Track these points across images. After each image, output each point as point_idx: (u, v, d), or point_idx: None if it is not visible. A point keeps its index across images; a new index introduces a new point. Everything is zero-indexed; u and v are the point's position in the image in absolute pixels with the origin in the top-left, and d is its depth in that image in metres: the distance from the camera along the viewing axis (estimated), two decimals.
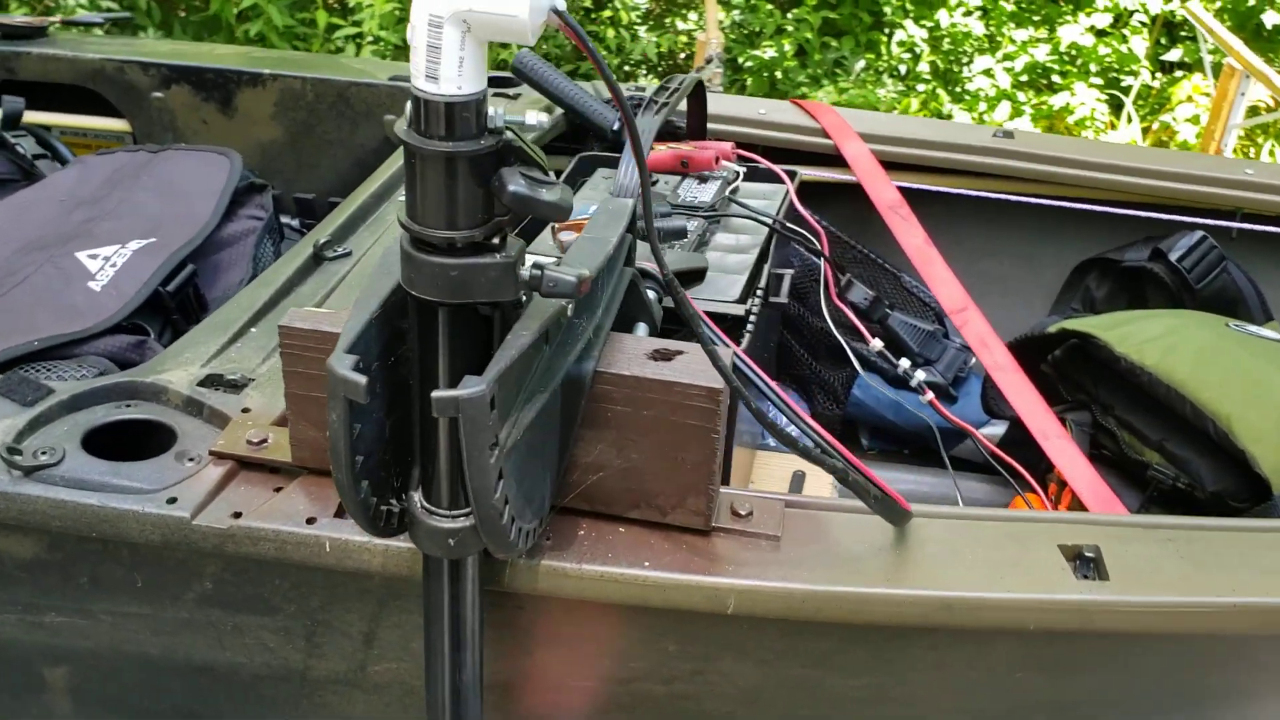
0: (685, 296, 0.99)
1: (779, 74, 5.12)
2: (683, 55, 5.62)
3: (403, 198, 0.70)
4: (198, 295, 1.44)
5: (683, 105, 1.52)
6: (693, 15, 5.60)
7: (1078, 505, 1.23)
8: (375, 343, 0.72)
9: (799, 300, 1.60)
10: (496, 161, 0.67)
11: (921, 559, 0.87)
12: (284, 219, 1.67)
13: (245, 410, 0.97)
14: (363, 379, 0.66)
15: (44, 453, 0.92)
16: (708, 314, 1.18)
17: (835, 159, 1.64)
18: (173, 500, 0.89)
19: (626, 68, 5.70)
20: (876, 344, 1.42)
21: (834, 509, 0.92)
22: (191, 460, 0.93)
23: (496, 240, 0.69)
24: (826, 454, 0.84)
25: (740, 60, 5.23)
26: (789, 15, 5.21)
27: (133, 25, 4.65)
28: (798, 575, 0.85)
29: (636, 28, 5.46)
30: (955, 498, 1.44)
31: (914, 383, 1.41)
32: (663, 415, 0.84)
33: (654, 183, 1.46)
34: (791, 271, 1.39)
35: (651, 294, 1.01)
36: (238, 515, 0.89)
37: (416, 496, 0.78)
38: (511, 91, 1.65)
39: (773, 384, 0.94)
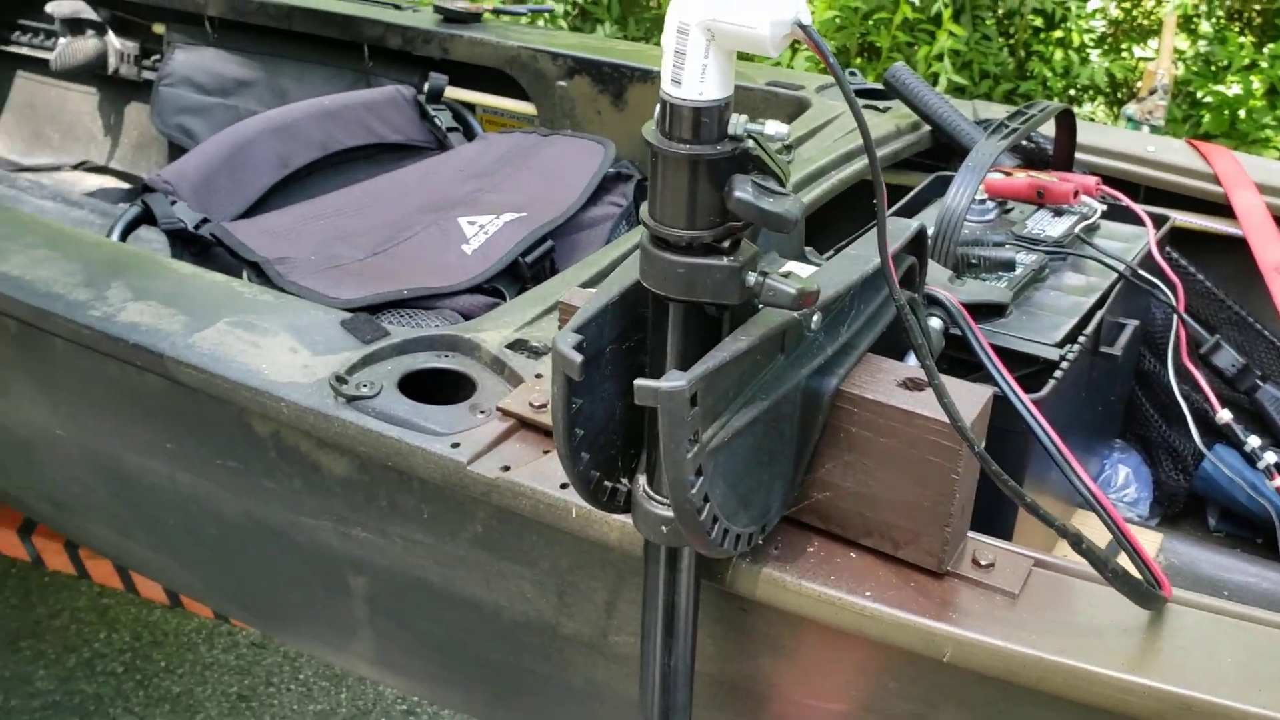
0: (973, 328, 0.95)
1: (1241, 113, 4.65)
2: (1137, 83, 5.24)
3: None
4: (553, 268, 1.56)
5: (1050, 132, 1.44)
6: (1153, 42, 5.20)
7: None
8: (611, 327, 0.76)
9: (1156, 356, 1.47)
10: (733, 167, 0.68)
11: (1169, 649, 0.79)
12: None
13: (538, 375, 1.05)
14: (579, 357, 0.70)
15: (365, 386, 1.04)
16: (1014, 352, 1.13)
17: (1224, 208, 1.49)
18: (456, 445, 0.98)
19: (1072, 92, 5.41)
20: (1225, 415, 1.28)
21: (1088, 578, 0.85)
22: (482, 413, 1.03)
23: (727, 244, 0.70)
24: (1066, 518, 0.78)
25: (1199, 94, 4.80)
26: (1264, 50, 4.71)
27: (592, 19, 5.03)
28: (1023, 637, 0.80)
29: (1089, 51, 5.15)
30: None
31: (1261, 464, 1.25)
32: (901, 447, 0.82)
33: (1008, 211, 1.40)
34: (1136, 323, 1.29)
35: (937, 323, 0.98)
36: (505, 469, 0.96)
37: (641, 480, 0.81)
38: (882, 105, 1.64)
39: (1051, 432, 0.88)
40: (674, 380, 0.68)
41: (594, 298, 0.76)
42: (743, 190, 0.67)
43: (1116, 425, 1.52)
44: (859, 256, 0.83)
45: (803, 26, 0.63)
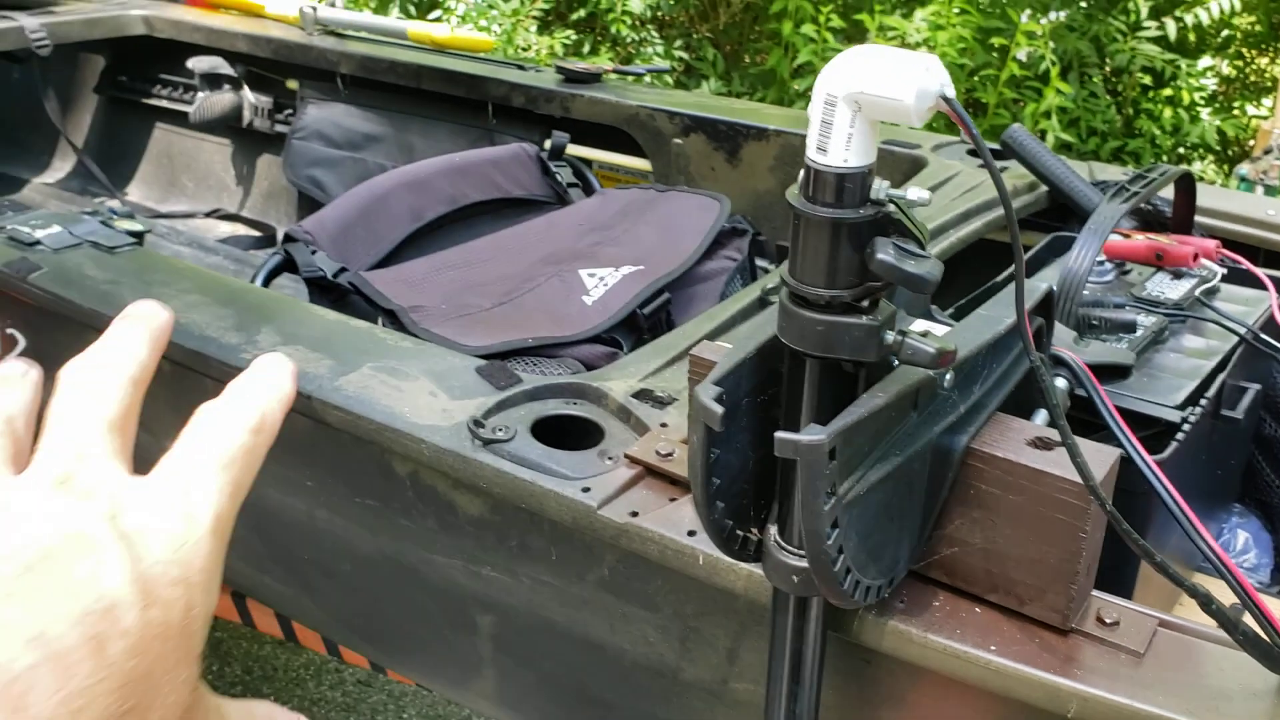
0: (1099, 389, 0.97)
1: None
2: (1250, 142, 5.15)
3: None
4: (668, 320, 1.60)
5: (1168, 195, 1.45)
6: (1267, 101, 5.12)
7: None
8: (748, 380, 0.79)
9: (1277, 420, 1.45)
10: (874, 230, 0.72)
11: None
12: (765, 263, 1.80)
13: (663, 425, 1.09)
14: (719, 409, 0.74)
15: (501, 430, 1.09)
16: (1136, 414, 1.13)
17: None
18: (587, 490, 1.02)
19: (1181, 150, 5.33)
20: None
21: (1214, 640, 0.86)
22: (610, 459, 1.07)
23: (866, 303, 0.73)
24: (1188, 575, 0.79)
25: None
26: None
27: (697, 74, 5.12)
28: (1147, 696, 0.81)
29: (1200, 109, 5.08)
30: None
31: None
32: (1030, 504, 0.83)
33: (1126, 272, 1.41)
34: (1258, 387, 1.28)
35: (1063, 383, 1.00)
36: (634, 514, 1.00)
37: (772, 530, 0.84)
38: (999, 164, 1.66)
39: (1175, 493, 0.89)
40: (814, 434, 0.71)
41: (731, 352, 0.79)
42: (884, 252, 0.70)
43: (1235, 489, 1.50)
44: (991, 317, 0.85)
45: (947, 100, 0.67)
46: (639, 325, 1.57)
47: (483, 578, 1.17)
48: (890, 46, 0.69)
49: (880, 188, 0.71)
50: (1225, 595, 1.33)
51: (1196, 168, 5.38)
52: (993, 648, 0.86)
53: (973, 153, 1.72)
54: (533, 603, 1.14)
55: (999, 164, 1.67)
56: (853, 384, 0.78)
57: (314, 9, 2.45)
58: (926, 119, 0.69)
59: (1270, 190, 4.01)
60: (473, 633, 1.24)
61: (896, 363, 0.78)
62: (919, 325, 0.88)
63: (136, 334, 0.50)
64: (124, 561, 0.39)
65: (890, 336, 0.74)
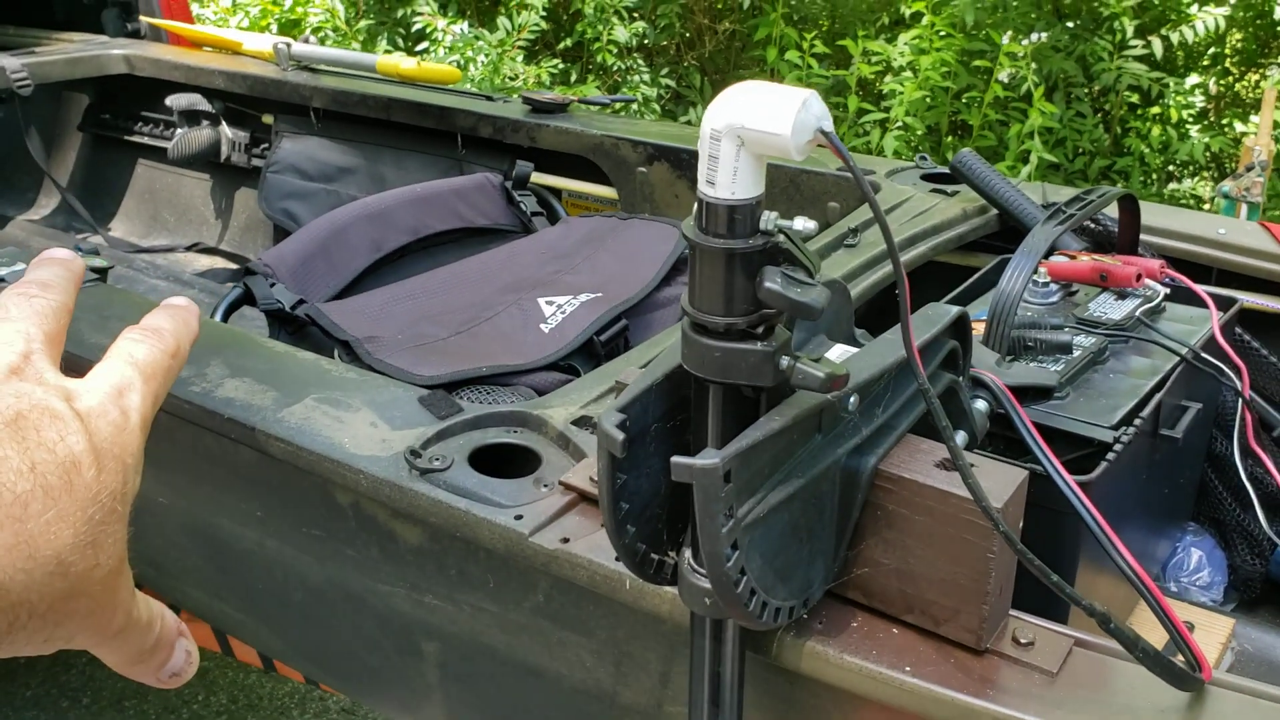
0: (1018, 410, 0.98)
1: None
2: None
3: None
4: (626, 346, 1.62)
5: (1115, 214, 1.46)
6: (1255, 118, 5.13)
7: None
8: (657, 406, 0.81)
9: (1229, 439, 1.46)
10: (765, 260, 0.73)
11: None
12: None
13: None
14: (621, 435, 0.75)
15: (438, 459, 1.10)
16: (1069, 433, 1.14)
17: None
18: (519, 517, 1.04)
19: (1171, 168, 5.35)
20: None
21: (1128, 658, 0.86)
22: (546, 487, 1.08)
23: (761, 330, 0.75)
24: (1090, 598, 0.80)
25: None
26: None
27: (685, 102, 5.16)
28: (1059, 716, 0.82)
29: (1188, 126, 5.10)
30: None
31: None
32: (938, 525, 0.84)
33: (1072, 293, 1.42)
34: (1199, 406, 1.29)
35: (983, 404, 1.01)
36: (565, 540, 1.01)
37: (686, 553, 0.86)
38: (950, 189, 1.68)
39: (1093, 509, 0.90)
40: (708, 458, 0.72)
41: (639, 379, 0.81)
42: (773, 281, 0.72)
43: (1187, 508, 1.51)
44: (895, 341, 0.86)
45: (825, 133, 0.68)
46: (597, 352, 1.58)
47: (425, 605, 1.18)
48: (770, 83, 0.71)
49: (769, 218, 0.73)
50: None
51: (1187, 185, 5.40)
52: (908, 669, 0.86)
53: (926, 178, 1.73)
54: (474, 629, 1.16)
55: (950, 188, 1.69)
56: (754, 408, 0.79)
57: (288, 45, 2.48)
58: (808, 153, 0.70)
59: (1253, 207, 4.01)
60: (419, 659, 1.25)
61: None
62: (827, 350, 0.89)
63: (60, 272, 0.59)
64: (82, 432, 0.49)
65: (785, 362, 0.75)
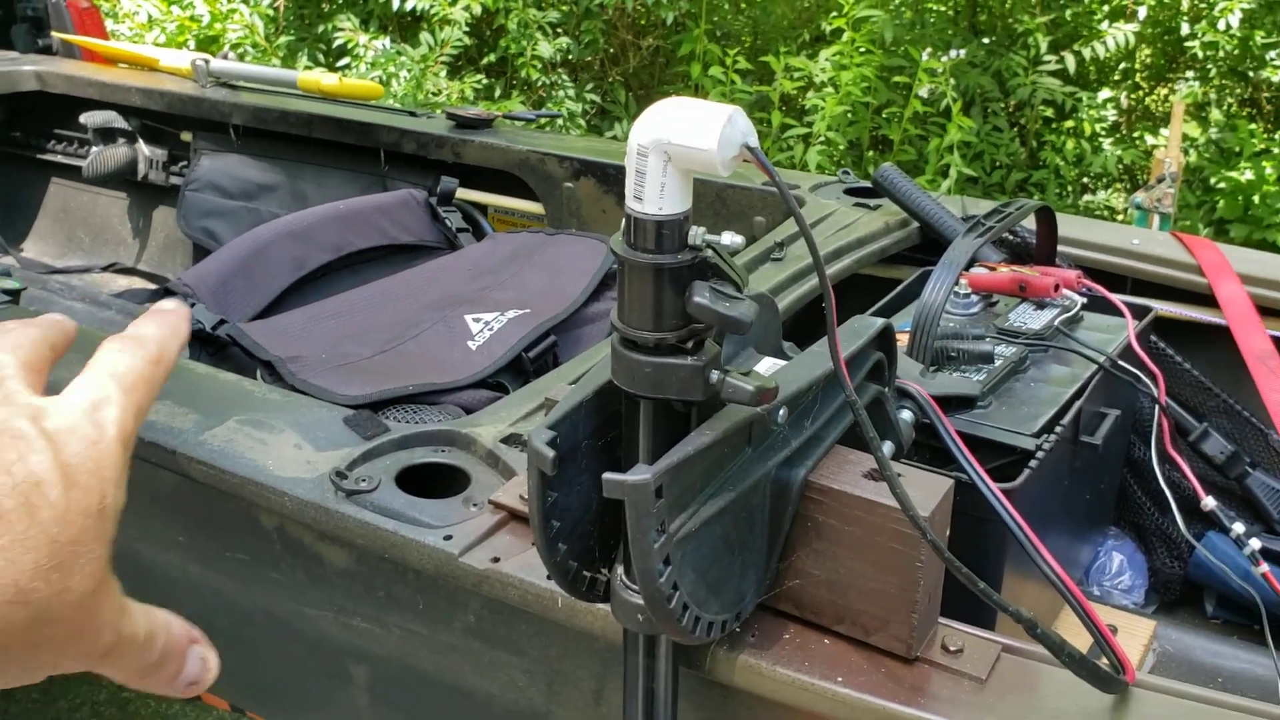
0: (942, 419, 0.99)
1: (1256, 198, 4.71)
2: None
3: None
4: (555, 362, 1.61)
5: (1032, 226, 1.50)
6: (1165, 131, 5.28)
7: None
8: (587, 423, 0.80)
9: (1147, 444, 1.50)
10: (693, 275, 0.73)
11: None
12: None
13: None
14: (551, 452, 0.75)
15: (364, 480, 1.09)
16: (992, 442, 1.16)
17: (1211, 299, 1.53)
18: (449, 538, 1.02)
19: (1086, 180, 5.48)
20: (1210, 501, 1.30)
21: (1055, 663, 0.88)
22: (475, 506, 1.07)
23: (691, 344, 0.75)
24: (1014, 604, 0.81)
25: (1213, 181, 4.87)
26: (1275, 136, 4.77)
27: (611, 117, 5.17)
28: None
29: (1101, 140, 5.24)
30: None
31: (1247, 550, 1.27)
32: (866, 535, 0.85)
33: (993, 304, 1.44)
34: (1117, 412, 1.32)
35: (908, 415, 1.02)
36: (495, 560, 1.00)
37: (619, 570, 0.85)
38: (873, 203, 1.70)
39: (1015, 514, 0.92)
40: (640, 473, 0.72)
41: (569, 395, 0.81)
42: (701, 295, 0.72)
43: (1109, 514, 1.54)
44: (822, 354, 0.87)
45: (750, 148, 0.69)
46: (525, 369, 1.57)
47: (353, 628, 1.16)
48: (696, 99, 0.71)
49: (697, 234, 0.73)
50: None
51: (1101, 196, 5.53)
52: (839, 679, 0.87)
53: (849, 192, 1.75)
54: (403, 651, 1.14)
55: (873, 202, 1.71)
56: (685, 423, 0.79)
57: (206, 62, 2.44)
58: (733, 168, 0.71)
59: (1164, 217, 4.13)
60: (348, 683, 1.23)
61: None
62: (756, 364, 0.90)
63: (49, 323, 0.58)
64: (47, 450, 0.48)
65: (715, 376, 0.75)
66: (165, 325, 0.59)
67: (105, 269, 2.68)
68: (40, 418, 0.49)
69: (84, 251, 2.80)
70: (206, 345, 1.55)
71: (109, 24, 4.74)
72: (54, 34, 2.93)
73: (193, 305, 1.57)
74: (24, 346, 0.54)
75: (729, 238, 0.73)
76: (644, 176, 0.71)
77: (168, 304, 0.62)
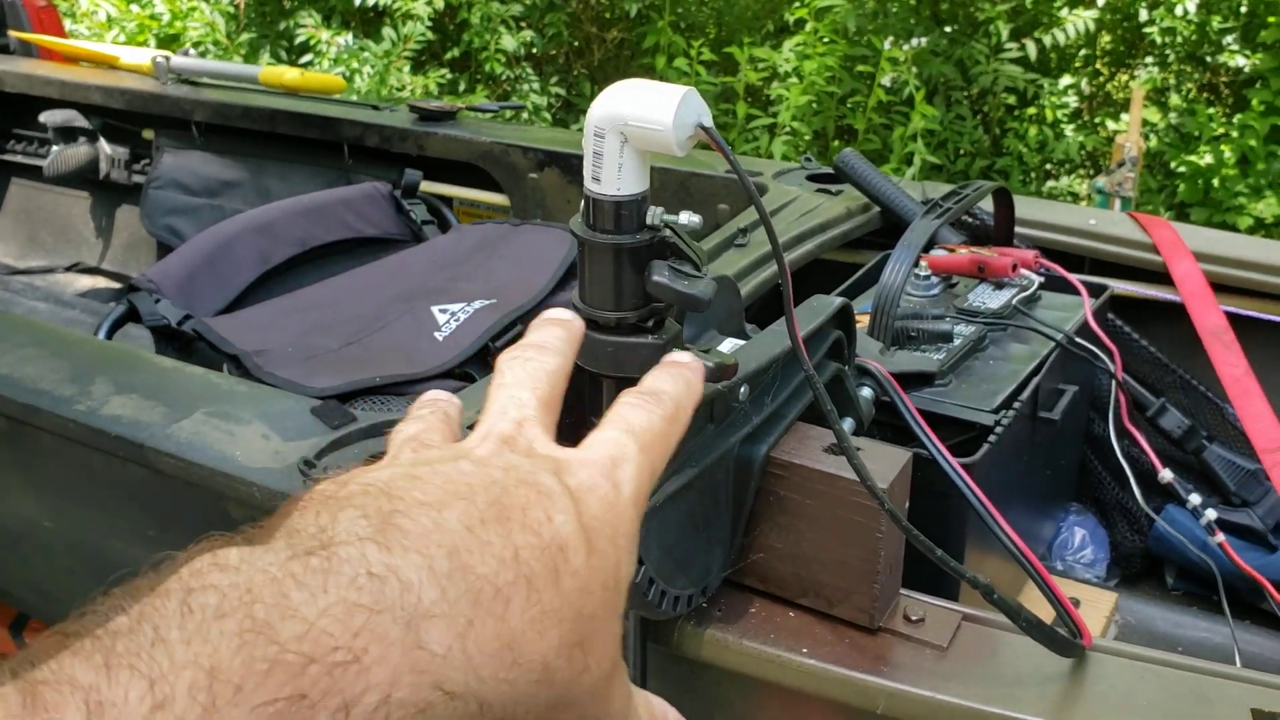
0: (902, 396, 1.01)
1: (1215, 182, 4.77)
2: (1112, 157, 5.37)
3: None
4: None
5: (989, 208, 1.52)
6: (1126, 116, 5.34)
7: None
8: None
9: (1105, 420, 1.52)
10: (652, 254, 0.74)
11: (1088, 694, 0.83)
12: None
13: None
14: None
15: (332, 469, 1.09)
16: (952, 418, 1.18)
17: (1167, 277, 1.56)
18: None
19: (1049, 166, 5.54)
20: (1166, 474, 1.33)
21: (1014, 630, 0.90)
22: None
23: (651, 323, 0.76)
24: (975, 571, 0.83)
25: (1173, 165, 4.93)
26: (1234, 120, 4.83)
27: (576, 110, 5.17)
28: (950, 688, 0.85)
29: (1064, 126, 5.29)
30: (1248, 653, 1.31)
31: (1203, 521, 1.30)
32: (827, 508, 0.87)
33: (952, 285, 1.47)
34: (1075, 388, 1.34)
35: (869, 392, 1.04)
36: None
37: None
38: (835, 188, 1.72)
39: (974, 486, 0.94)
40: None
41: None
42: (660, 275, 0.73)
43: (1070, 488, 1.57)
44: (782, 332, 0.88)
45: (705, 129, 0.70)
46: (492, 359, 1.58)
47: None
48: (651, 80, 0.72)
49: (655, 213, 0.74)
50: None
51: (1064, 182, 5.60)
52: (805, 650, 0.89)
53: (811, 178, 1.77)
54: None
55: (835, 188, 1.73)
56: None
57: (167, 59, 2.43)
58: (689, 148, 0.72)
59: (1125, 201, 4.18)
60: None
61: None
62: (717, 343, 0.91)
63: (558, 333, 0.57)
64: (571, 510, 0.44)
65: None
66: (681, 381, 0.58)
67: (69, 269, 2.67)
68: (563, 472, 0.46)
69: (47, 252, 2.78)
70: (172, 340, 1.55)
71: (67, 24, 4.69)
72: (11, 33, 2.90)
73: (158, 301, 1.57)
74: (541, 381, 0.53)
75: (686, 217, 0.75)
76: (601, 158, 0.72)
77: (681, 357, 0.60)
